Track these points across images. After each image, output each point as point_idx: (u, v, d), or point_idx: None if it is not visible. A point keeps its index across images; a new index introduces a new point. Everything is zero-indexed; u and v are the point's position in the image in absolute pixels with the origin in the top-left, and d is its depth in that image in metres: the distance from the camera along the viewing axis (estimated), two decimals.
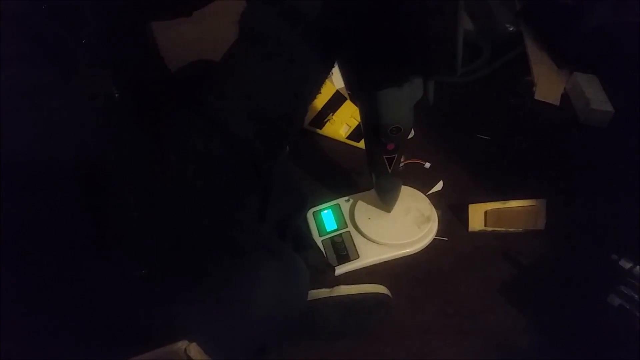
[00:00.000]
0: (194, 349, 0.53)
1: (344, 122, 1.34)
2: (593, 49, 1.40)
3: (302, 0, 0.54)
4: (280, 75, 0.56)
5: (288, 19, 0.54)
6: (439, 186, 1.20)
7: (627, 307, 0.87)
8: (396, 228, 1.09)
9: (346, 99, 1.35)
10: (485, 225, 1.09)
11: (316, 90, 0.64)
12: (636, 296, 0.88)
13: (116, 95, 0.58)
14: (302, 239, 1.06)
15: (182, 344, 0.53)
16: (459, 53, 0.67)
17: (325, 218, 1.12)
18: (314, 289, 0.95)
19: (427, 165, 1.23)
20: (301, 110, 0.65)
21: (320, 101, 1.34)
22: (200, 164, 0.57)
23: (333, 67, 0.65)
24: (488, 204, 1.09)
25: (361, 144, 1.28)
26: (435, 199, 1.16)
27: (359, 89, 0.81)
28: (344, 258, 1.05)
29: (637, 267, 0.90)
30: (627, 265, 0.91)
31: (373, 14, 0.63)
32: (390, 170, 0.92)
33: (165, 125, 0.57)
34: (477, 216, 1.09)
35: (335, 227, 1.11)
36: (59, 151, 0.53)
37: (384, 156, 0.90)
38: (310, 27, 0.55)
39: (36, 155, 0.52)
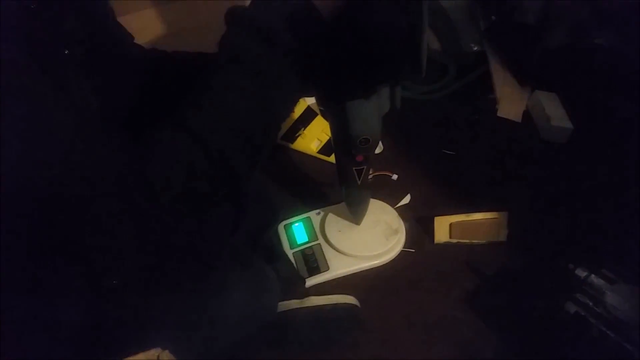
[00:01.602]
0: (166, 356, 0.55)
1: (315, 137, 1.37)
2: (553, 68, 1.45)
3: (276, 24, 0.57)
4: (257, 93, 0.58)
5: (265, 41, 0.57)
6: (406, 199, 1.23)
7: (583, 314, 0.91)
8: (365, 240, 1.11)
9: (317, 114, 1.38)
10: (450, 237, 1.13)
11: (290, 108, 0.67)
12: (591, 303, 0.91)
13: (95, 105, 0.60)
14: (273, 251, 1.08)
15: (155, 352, 0.55)
16: (423, 54, 0.69)
17: (296, 231, 1.14)
18: (284, 300, 0.97)
19: (395, 177, 1.27)
20: (276, 127, 0.67)
21: (292, 116, 1.37)
22: (176, 174, 0.58)
23: (307, 88, 0.67)
24: (453, 216, 1.12)
25: (332, 159, 1.31)
26: (402, 212, 1.19)
27: (329, 101, 0.85)
28: (315, 270, 1.07)
29: (592, 276, 0.94)
30: (582, 274, 0.94)
31: (337, 25, 0.66)
32: (359, 182, 0.95)
33: (144, 137, 0.59)
34: (443, 228, 1.13)
35: (306, 240, 1.13)
36: (32, 161, 0.53)
37: (354, 168, 0.92)
38: (285, 50, 0.58)
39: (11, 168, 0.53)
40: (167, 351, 0.56)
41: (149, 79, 0.80)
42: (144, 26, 1.30)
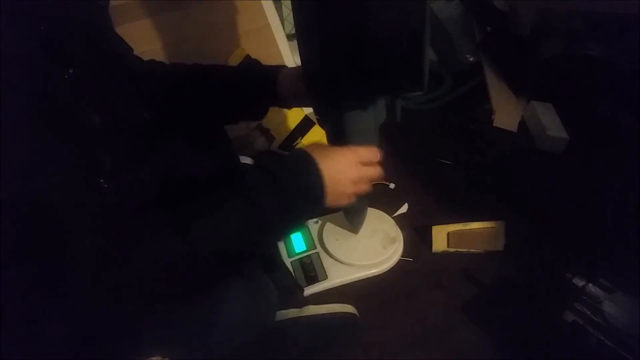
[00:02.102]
0: None
1: None
2: (548, 78, 1.47)
3: (292, 193, 0.66)
4: (252, 232, 0.66)
5: (281, 204, 0.65)
6: (404, 208, 1.24)
7: (581, 322, 0.91)
8: (363, 249, 1.11)
9: (315, 123, 1.38)
10: (447, 246, 1.13)
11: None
12: (589, 312, 0.92)
13: (97, 121, 0.60)
14: (271, 260, 1.07)
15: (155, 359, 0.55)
16: (425, 67, 0.70)
17: (294, 239, 1.14)
18: (283, 309, 0.97)
19: (392, 185, 1.27)
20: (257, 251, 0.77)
21: (290, 125, 1.38)
22: (154, 270, 0.60)
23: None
24: (450, 225, 1.13)
25: None
26: (400, 221, 1.19)
27: (327, 112, 0.85)
28: (313, 279, 1.07)
29: (590, 284, 0.94)
30: (580, 283, 0.95)
31: (339, 40, 0.67)
32: None
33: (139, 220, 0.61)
34: (440, 237, 1.13)
35: (304, 249, 1.13)
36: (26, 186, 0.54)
37: None
38: (291, 212, 0.67)
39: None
40: (167, 359, 0.56)
41: (150, 92, 0.81)
42: (140, 36, 1.31)
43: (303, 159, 0.69)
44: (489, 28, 1.66)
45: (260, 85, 0.89)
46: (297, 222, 0.70)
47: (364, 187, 0.77)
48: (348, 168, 0.73)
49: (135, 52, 0.87)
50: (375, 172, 0.79)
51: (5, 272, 0.54)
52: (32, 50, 0.54)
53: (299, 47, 0.75)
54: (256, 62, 1.27)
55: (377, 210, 1.19)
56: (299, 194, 0.67)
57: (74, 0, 0.64)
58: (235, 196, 0.64)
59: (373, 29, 0.66)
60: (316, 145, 0.74)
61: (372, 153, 0.78)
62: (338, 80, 0.74)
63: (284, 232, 0.76)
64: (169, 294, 0.62)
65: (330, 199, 0.70)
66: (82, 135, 0.59)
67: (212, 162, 0.82)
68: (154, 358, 0.55)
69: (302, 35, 0.74)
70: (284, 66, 0.91)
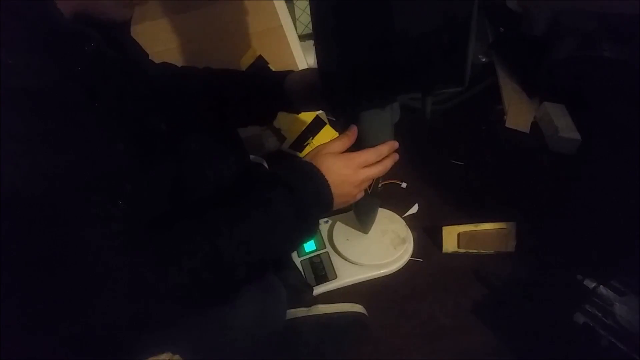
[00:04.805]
0: None
1: None
2: (561, 79, 1.46)
3: (309, 203, 0.70)
4: (276, 242, 0.69)
5: (298, 217, 0.69)
6: (414, 209, 1.24)
7: (592, 324, 0.90)
8: (373, 249, 1.11)
9: (326, 123, 1.39)
10: (458, 247, 1.13)
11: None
12: (600, 314, 0.91)
13: (121, 148, 0.61)
14: (280, 259, 1.08)
15: (165, 356, 0.55)
16: (468, 62, 0.70)
17: None
18: (292, 308, 0.98)
19: (404, 185, 1.27)
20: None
21: (301, 125, 1.38)
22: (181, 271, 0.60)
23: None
24: (461, 226, 1.13)
25: None
26: (410, 221, 1.19)
27: (343, 111, 0.85)
28: (322, 278, 1.07)
29: (601, 286, 0.93)
30: (591, 285, 0.94)
31: (365, 36, 0.68)
32: (369, 191, 0.95)
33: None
34: (451, 238, 1.13)
35: (314, 248, 1.13)
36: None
37: None
38: (310, 221, 0.71)
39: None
40: (177, 356, 0.56)
41: (165, 100, 0.82)
42: (154, 37, 1.32)
43: (310, 171, 0.73)
44: (501, 29, 1.65)
45: (267, 90, 0.90)
46: (310, 231, 0.73)
47: (366, 184, 0.81)
48: (350, 174, 0.76)
49: (148, 53, 0.88)
50: (378, 169, 0.81)
51: (29, 284, 0.55)
52: (61, 88, 0.56)
53: (315, 47, 0.75)
54: (265, 67, 1.27)
55: (387, 210, 1.19)
56: (312, 204, 0.71)
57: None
58: (256, 209, 0.66)
59: (415, 22, 0.67)
60: (316, 155, 0.76)
61: (372, 155, 0.80)
62: (361, 80, 0.74)
63: (299, 241, 0.78)
64: (193, 303, 0.63)
65: (337, 204, 0.76)
66: (106, 164, 0.60)
67: (225, 164, 0.82)
68: (163, 356, 0.56)
69: (321, 35, 0.74)
70: (292, 71, 0.91)
